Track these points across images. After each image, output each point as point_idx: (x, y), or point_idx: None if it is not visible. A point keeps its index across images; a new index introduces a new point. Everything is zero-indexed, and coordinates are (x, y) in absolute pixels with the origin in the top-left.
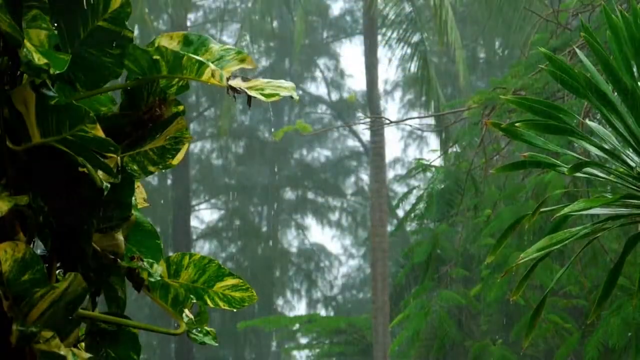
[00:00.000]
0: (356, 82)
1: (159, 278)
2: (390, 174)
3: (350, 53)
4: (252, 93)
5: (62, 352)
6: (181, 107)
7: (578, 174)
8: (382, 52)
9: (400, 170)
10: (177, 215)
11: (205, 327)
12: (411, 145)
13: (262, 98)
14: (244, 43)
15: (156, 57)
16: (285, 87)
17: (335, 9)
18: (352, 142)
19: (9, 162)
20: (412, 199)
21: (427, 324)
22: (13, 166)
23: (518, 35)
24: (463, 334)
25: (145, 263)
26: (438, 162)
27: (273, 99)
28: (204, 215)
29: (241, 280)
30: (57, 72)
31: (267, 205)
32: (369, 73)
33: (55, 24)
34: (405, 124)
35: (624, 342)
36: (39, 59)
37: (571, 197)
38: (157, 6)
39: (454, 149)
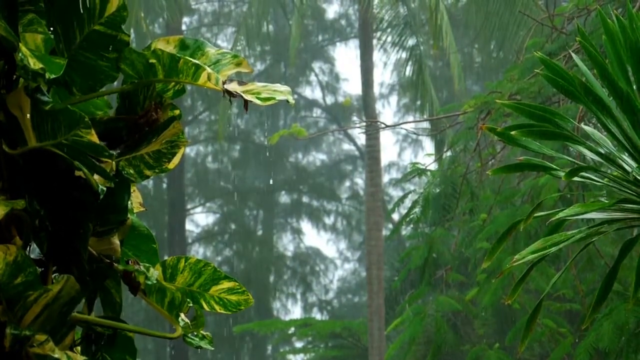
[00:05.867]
0: (351, 86)
1: (155, 282)
2: (386, 178)
3: (346, 57)
4: (248, 97)
5: (56, 356)
6: (177, 111)
7: (574, 178)
8: (377, 56)
9: (395, 174)
10: (172, 218)
11: (202, 331)
12: (407, 149)
13: (258, 102)
14: (239, 47)
15: (152, 60)
16: (281, 91)
17: (330, 13)
18: (347, 146)
19: (5, 166)
20: (408, 203)
21: (423, 328)
22: (9, 170)
23: (513, 40)
24: (459, 339)
25: (141, 267)
26: (434, 167)
27: (269, 102)
28: (199, 219)
29: (237, 284)
30: (53, 76)
31: (262, 209)
32: (365, 77)
33: (51, 28)
34: (401, 128)
35: (615, 346)
36: (34, 64)
37: (567, 201)
38: (153, 10)
39: (450, 153)
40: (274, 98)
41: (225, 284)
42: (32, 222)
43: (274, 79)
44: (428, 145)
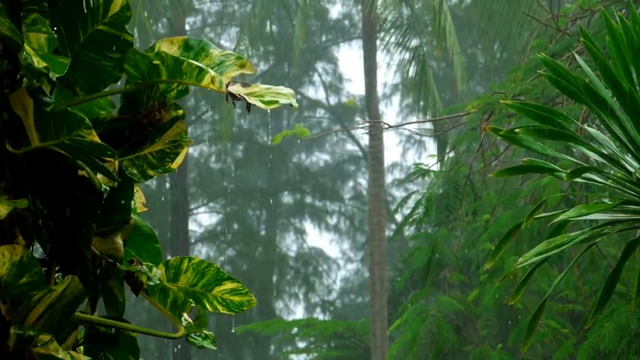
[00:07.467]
0: (355, 86)
1: (157, 282)
2: (389, 179)
3: (349, 57)
4: (251, 100)
5: (60, 356)
6: (181, 111)
7: (576, 179)
8: (380, 57)
9: (398, 174)
10: (175, 218)
11: (204, 331)
12: (410, 149)
13: (262, 105)
14: (242, 47)
15: (156, 62)
16: (284, 94)
17: (334, 13)
18: (350, 147)
19: (8, 166)
20: (411, 203)
21: (425, 329)
22: (12, 169)
23: (517, 40)
24: (461, 339)
25: (144, 267)
26: (437, 167)
27: (272, 106)
28: (202, 219)
29: (240, 284)
30: (57, 75)
31: (265, 209)
32: (368, 77)
33: (55, 28)
34: (404, 129)
35: (615, 347)
36: (38, 63)
37: (569, 202)
38: (156, 10)
39: (453, 154)
40: (277, 101)
41: (228, 285)
42: (35, 222)
43: (277, 79)
44: (431, 145)
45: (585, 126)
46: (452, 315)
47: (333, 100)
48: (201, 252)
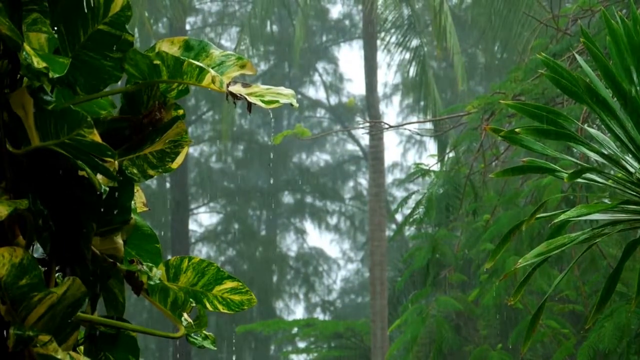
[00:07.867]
0: (355, 86)
1: (158, 281)
2: (389, 179)
3: (350, 57)
4: (252, 100)
5: (59, 356)
6: (181, 111)
7: (577, 180)
8: (381, 57)
9: (399, 174)
10: (175, 218)
11: (204, 331)
12: (410, 149)
13: (262, 105)
14: (243, 47)
15: (157, 62)
16: (285, 94)
17: (334, 13)
18: (351, 147)
19: (8, 166)
20: (411, 203)
21: (425, 329)
22: (13, 169)
23: (517, 40)
24: (461, 339)
25: (144, 266)
26: (437, 167)
27: (273, 105)
28: (203, 218)
29: (240, 284)
30: (57, 75)
31: (265, 209)
32: (368, 77)
33: (55, 28)
34: (404, 129)
35: (615, 346)
36: (38, 63)
37: (570, 202)
38: (157, 10)
39: (453, 154)
40: (277, 101)
41: (229, 284)
42: (35, 222)
43: (278, 79)
44: (431, 146)
45: (586, 126)
46: (452, 315)
47: (333, 100)
48: (201, 252)
